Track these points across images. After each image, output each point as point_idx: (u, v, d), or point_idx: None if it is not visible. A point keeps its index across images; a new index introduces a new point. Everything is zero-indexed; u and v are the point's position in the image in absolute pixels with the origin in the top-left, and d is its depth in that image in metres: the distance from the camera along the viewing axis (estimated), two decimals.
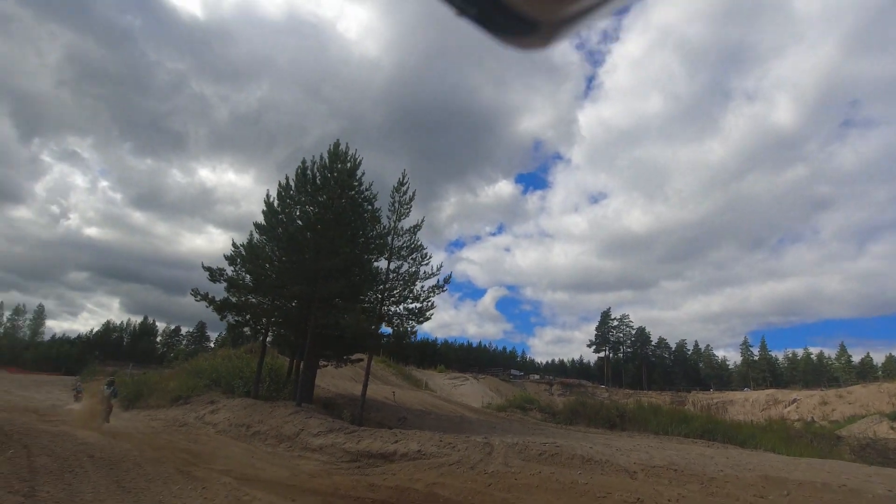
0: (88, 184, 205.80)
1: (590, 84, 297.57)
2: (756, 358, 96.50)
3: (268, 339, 25.02)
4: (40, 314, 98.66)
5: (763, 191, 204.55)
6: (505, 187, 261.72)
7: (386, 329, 19.15)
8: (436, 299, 18.99)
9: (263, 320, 21.61)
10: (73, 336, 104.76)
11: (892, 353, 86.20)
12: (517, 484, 9.98)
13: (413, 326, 18.24)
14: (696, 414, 27.24)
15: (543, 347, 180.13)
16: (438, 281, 18.29)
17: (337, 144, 21.17)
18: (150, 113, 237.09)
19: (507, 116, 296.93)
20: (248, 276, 21.41)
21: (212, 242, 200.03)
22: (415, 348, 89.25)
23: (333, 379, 33.95)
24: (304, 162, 20.70)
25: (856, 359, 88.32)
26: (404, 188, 19.24)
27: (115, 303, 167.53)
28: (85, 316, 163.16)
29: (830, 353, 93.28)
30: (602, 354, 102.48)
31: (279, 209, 20.42)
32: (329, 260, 17.94)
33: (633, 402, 32.35)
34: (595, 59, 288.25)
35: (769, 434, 21.97)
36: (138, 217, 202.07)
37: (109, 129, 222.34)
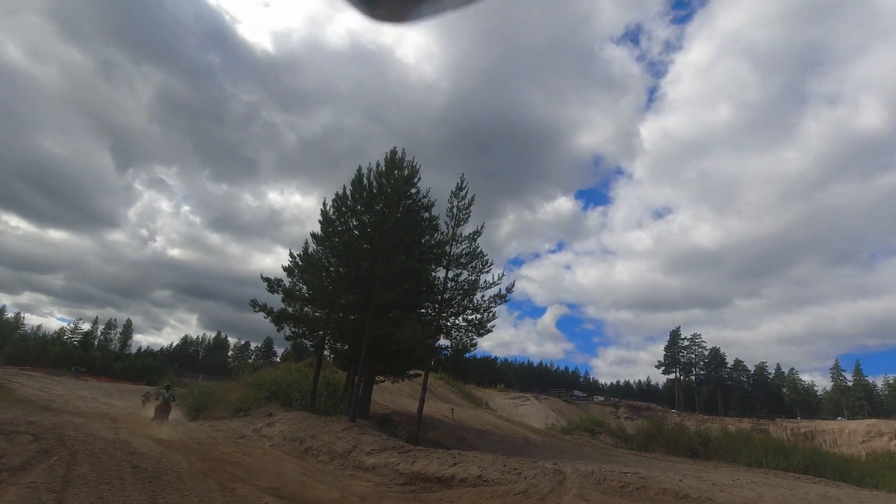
0: (172, 208, 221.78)
1: (652, 96, 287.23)
2: (850, 384, 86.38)
3: (325, 351, 24.46)
4: (128, 328, 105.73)
5: (850, 201, 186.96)
6: (564, 204, 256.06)
7: (444, 342, 17.89)
8: (497, 312, 17.59)
9: (320, 332, 20.98)
10: (157, 349, 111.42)
11: None
12: None
13: (473, 339, 16.83)
14: (797, 445, 23.68)
15: (607, 368, 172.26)
16: (500, 290, 16.86)
17: (394, 152, 20.45)
18: (226, 142, 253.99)
19: (564, 132, 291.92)
20: (304, 286, 20.98)
21: (279, 261, 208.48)
22: (474, 366, 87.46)
23: (391, 395, 32.99)
24: (359, 170, 20.09)
25: None
26: (463, 192, 18.11)
27: (194, 319, 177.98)
28: (168, 331, 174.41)
29: None
30: (672, 376, 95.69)
31: (335, 218, 19.85)
32: (385, 268, 17.01)
33: (714, 428, 28.95)
34: (656, 69, 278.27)
35: (893, 472, 18.41)
36: (215, 238, 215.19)
37: (191, 158, 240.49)
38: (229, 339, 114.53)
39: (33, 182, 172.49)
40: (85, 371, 68.84)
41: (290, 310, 20.80)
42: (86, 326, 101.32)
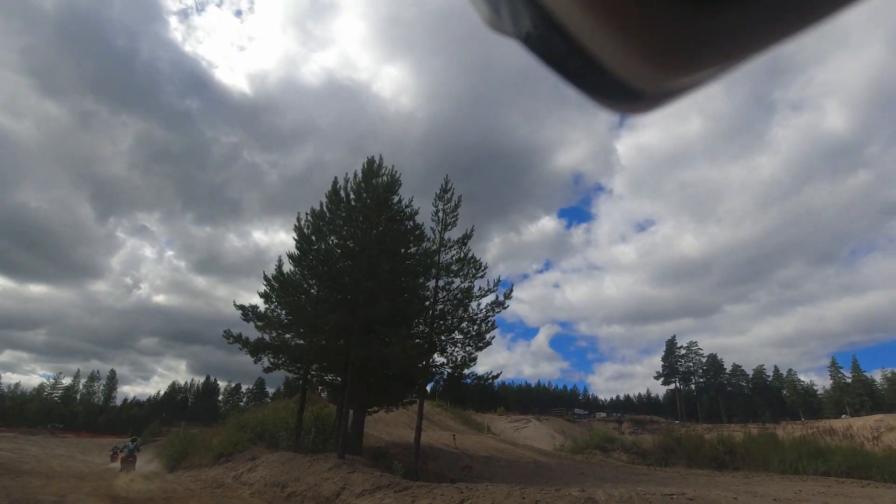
0: (156, 254, 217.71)
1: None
2: (849, 381, 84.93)
3: (311, 382, 22.29)
4: (112, 380, 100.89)
5: (825, 202, 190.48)
6: (548, 223, 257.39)
7: (440, 360, 15.83)
8: (496, 322, 15.65)
9: (302, 361, 18.79)
10: (144, 399, 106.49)
11: None
12: None
13: (472, 353, 14.82)
14: (837, 446, 21.60)
15: (604, 384, 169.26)
16: (497, 297, 14.98)
17: (371, 160, 18.76)
18: (208, 184, 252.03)
19: (543, 153, 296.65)
20: (282, 312, 18.91)
21: None
22: (472, 391, 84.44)
23: (387, 427, 30.50)
24: (335, 182, 18.27)
25: None
26: (448, 194, 16.41)
27: (183, 365, 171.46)
28: (156, 380, 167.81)
29: None
30: (672, 387, 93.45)
31: (310, 234, 17.92)
32: (368, 281, 15.08)
33: (735, 434, 26.81)
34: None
35: None
36: (200, 281, 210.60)
37: (173, 203, 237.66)
38: (219, 382, 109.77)
39: (12, 237, 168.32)
40: (62, 427, 64.68)
41: (267, 338, 18.65)
42: (67, 381, 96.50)
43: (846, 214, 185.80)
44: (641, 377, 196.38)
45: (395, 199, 18.64)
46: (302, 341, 18.59)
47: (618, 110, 0.41)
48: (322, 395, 33.48)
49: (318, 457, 16.45)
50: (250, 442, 24.24)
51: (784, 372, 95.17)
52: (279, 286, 17.51)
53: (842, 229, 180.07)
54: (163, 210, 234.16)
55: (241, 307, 18.73)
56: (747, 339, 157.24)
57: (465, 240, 15.79)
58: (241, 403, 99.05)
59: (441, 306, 15.60)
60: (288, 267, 18.79)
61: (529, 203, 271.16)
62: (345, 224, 18.10)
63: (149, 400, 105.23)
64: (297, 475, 14.85)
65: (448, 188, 16.51)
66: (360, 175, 18.73)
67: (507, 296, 15.05)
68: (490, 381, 14.73)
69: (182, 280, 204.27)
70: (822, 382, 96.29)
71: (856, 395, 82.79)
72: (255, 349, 18.74)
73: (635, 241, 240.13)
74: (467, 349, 15.08)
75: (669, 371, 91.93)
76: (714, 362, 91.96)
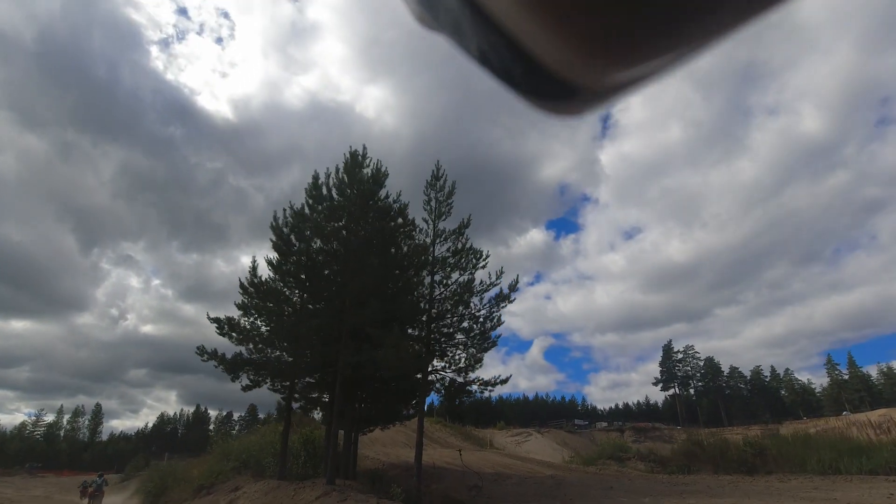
0: (142, 284, 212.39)
1: (605, 123, 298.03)
2: (846, 377, 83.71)
3: (300, 401, 20.18)
4: (98, 414, 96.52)
5: (806, 203, 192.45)
6: (536, 235, 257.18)
7: (440, 366, 13.80)
8: (502, 317, 13.73)
9: (284, 376, 16.65)
10: (132, 433, 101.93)
11: None
12: None
13: (478, 356, 12.82)
14: (878, 442, 19.77)
15: (601, 394, 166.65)
16: (501, 290, 13.07)
17: (354, 152, 16.93)
18: (193, 211, 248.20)
19: (528, 166, 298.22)
20: (262, 324, 16.82)
21: None
22: (470, 407, 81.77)
23: (384, 447, 28.17)
24: (315, 176, 16.36)
25: None
26: (440, 182, 14.62)
27: (173, 396, 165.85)
28: (146, 412, 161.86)
29: None
30: (671, 392, 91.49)
31: (288, 234, 15.92)
32: (356, 279, 13.13)
33: (754, 434, 24.87)
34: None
35: None
36: (188, 309, 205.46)
37: (159, 231, 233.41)
38: (210, 411, 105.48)
39: None
40: (40, 466, 60.83)
41: (245, 353, 16.53)
42: (50, 417, 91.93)
43: (827, 214, 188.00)
44: (637, 385, 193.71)
45: (383, 193, 16.81)
46: (283, 353, 16.50)
47: (557, 111, 0.38)
48: (314, 416, 31.18)
49: (306, 484, 14.22)
50: (234, 471, 22.00)
51: (781, 372, 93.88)
52: (255, 292, 15.45)
53: (824, 228, 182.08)
54: (148, 239, 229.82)
55: (216, 319, 16.62)
56: (739, 342, 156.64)
57: (462, 229, 13.96)
58: (234, 432, 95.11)
59: (438, 306, 13.65)
60: (266, 273, 16.80)
61: (517, 216, 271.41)
62: (327, 222, 16.17)
63: (137, 433, 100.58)
64: None
65: (440, 175, 14.74)
66: (341, 170, 16.90)
67: (513, 287, 13.17)
68: (499, 383, 12.77)
69: (170, 309, 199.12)
70: (817, 381, 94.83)
71: (853, 391, 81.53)
72: (233, 366, 16.60)
73: (623, 249, 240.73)
74: (470, 351, 13.12)
75: (668, 376, 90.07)
76: (712, 365, 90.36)
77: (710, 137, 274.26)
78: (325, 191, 16.65)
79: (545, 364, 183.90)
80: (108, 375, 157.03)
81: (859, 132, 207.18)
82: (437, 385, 13.38)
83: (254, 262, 15.51)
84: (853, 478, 15.16)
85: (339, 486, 12.77)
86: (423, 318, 13.74)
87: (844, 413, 73.55)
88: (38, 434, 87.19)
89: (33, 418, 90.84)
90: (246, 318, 17.17)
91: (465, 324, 13.46)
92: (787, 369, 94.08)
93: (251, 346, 16.39)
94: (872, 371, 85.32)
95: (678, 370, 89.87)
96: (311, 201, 16.15)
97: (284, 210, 15.73)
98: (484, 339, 13.18)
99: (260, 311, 16.30)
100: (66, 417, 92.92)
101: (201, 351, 16.65)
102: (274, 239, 15.94)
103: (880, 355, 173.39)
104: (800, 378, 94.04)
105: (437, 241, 14.09)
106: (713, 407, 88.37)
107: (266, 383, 16.64)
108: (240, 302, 17.08)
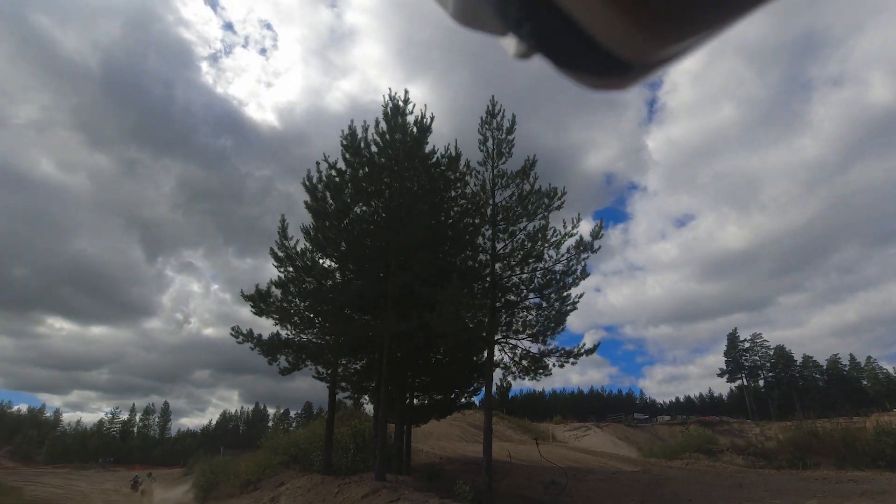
0: (203, 289, 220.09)
1: (652, 108, 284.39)
2: None
3: (345, 391, 18.03)
4: (166, 412, 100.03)
5: (877, 179, 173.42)
6: (583, 227, 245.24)
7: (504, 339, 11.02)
8: (579, 285, 10.80)
9: (327, 357, 14.39)
10: (198, 430, 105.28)
11: None
12: None
13: (560, 319, 9.94)
14: None
15: (657, 388, 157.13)
16: (581, 238, 10.16)
17: (395, 100, 14.45)
18: (246, 218, 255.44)
19: (571, 157, 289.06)
20: (300, 301, 14.65)
21: None
22: (521, 403, 78.36)
23: (438, 440, 25.63)
24: (351, 126, 13.97)
25: None
26: (498, 117, 11.88)
27: (235, 395, 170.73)
28: (211, 410, 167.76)
29: None
30: (737, 384, 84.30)
31: (323, 195, 13.56)
32: (401, 233, 10.61)
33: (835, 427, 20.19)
34: (652, 82, 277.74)
35: None
36: (245, 312, 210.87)
37: (215, 239, 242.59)
38: (268, 409, 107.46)
39: (73, 283, 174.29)
40: (113, 461, 62.62)
41: (283, 334, 14.45)
42: (125, 415, 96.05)
43: None
44: (696, 377, 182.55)
45: (429, 147, 14.23)
46: (322, 331, 14.25)
47: (606, 86, 0.38)
48: (364, 409, 29.26)
49: (352, 479, 11.87)
50: (282, 465, 20.32)
51: (862, 361, 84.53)
52: (286, 259, 13.23)
53: None
54: (206, 246, 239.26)
55: (250, 297, 14.59)
56: (806, 331, 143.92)
57: (527, 168, 11.18)
58: (291, 428, 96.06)
59: (503, 262, 10.89)
60: (302, 244, 14.60)
61: (563, 208, 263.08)
62: (368, 180, 13.74)
63: (202, 430, 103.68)
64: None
65: (497, 111, 11.99)
66: (381, 121, 14.47)
67: (597, 234, 10.24)
68: (584, 354, 9.80)
69: (228, 312, 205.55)
70: None
71: None
72: (270, 348, 14.55)
73: (675, 238, 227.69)
74: (546, 313, 10.27)
75: (734, 367, 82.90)
76: (783, 354, 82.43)
77: (767, 115, 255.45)
78: (361, 143, 14.26)
79: (597, 358, 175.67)
80: (176, 376, 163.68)
81: None
82: (507, 359, 10.65)
83: (282, 221, 13.30)
84: None
85: (391, 482, 10.28)
86: (486, 276, 10.99)
87: None
88: (114, 431, 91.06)
89: (110, 416, 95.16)
90: (284, 297, 15.10)
91: (537, 280, 10.65)
92: (870, 357, 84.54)
93: (288, 325, 14.29)
94: None
95: (745, 360, 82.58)
96: (347, 155, 13.78)
97: (318, 164, 13.39)
98: (562, 300, 10.32)
99: (296, 283, 14.15)
100: (139, 416, 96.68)
101: (236, 332, 14.69)
102: (308, 200, 13.71)
103: None
104: (884, 367, 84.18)
105: (498, 185, 11.38)
106: (785, 399, 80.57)
107: (305, 365, 14.45)
108: (278, 279, 14.97)
